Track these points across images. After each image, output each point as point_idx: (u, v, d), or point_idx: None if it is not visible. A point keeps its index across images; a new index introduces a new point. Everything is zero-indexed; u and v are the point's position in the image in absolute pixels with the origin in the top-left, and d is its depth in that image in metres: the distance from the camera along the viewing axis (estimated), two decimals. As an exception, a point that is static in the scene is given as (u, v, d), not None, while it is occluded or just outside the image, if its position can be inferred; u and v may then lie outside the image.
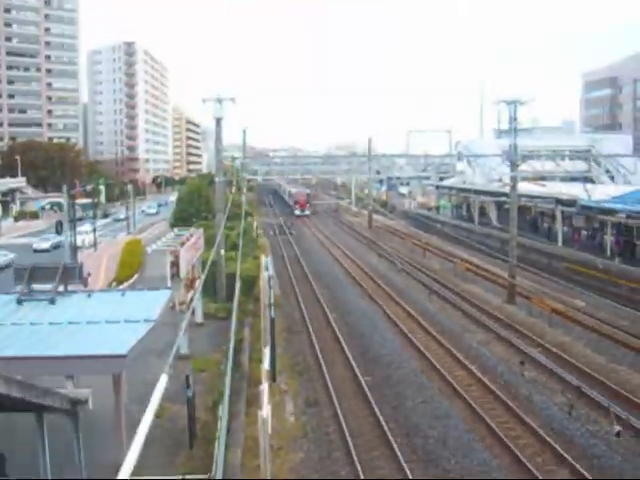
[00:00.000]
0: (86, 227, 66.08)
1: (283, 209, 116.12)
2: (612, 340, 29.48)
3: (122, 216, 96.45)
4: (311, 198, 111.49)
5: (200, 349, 28.33)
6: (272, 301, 27.46)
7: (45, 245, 64.60)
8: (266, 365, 20.67)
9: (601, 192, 52.09)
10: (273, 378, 24.61)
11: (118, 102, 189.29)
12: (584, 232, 57.43)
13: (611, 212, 49.89)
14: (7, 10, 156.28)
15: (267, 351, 22.69)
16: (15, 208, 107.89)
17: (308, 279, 48.91)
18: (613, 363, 27.29)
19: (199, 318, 33.15)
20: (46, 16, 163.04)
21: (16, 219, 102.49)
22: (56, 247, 62.49)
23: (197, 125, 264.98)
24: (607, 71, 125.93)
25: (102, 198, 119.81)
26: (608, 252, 50.48)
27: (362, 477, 18.00)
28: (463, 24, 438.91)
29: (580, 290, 40.84)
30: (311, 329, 33.98)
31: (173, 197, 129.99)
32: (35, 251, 62.81)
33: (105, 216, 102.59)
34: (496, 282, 43.74)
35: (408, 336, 32.00)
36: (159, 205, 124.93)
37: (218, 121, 39.71)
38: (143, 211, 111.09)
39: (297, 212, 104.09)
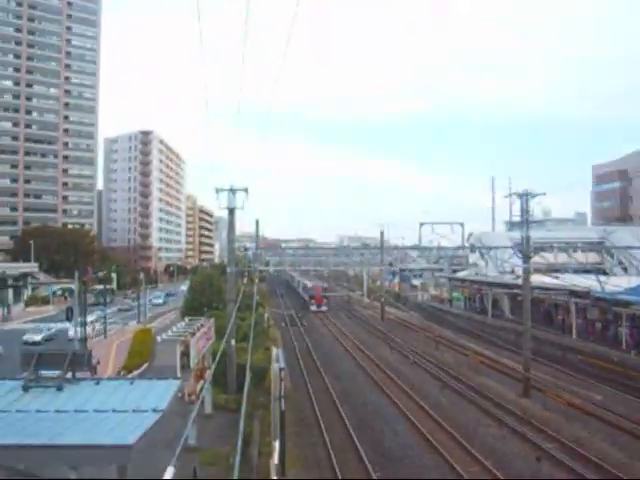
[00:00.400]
0: (95, 315, 65.90)
1: (295, 302, 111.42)
2: (631, 435, 28.76)
3: (126, 307, 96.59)
4: (327, 292, 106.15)
5: (209, 441, 27.75)
6: (282, 393, 27.04)
7: (37, 337, 60.27)
8: (275, 459, 20.20)
9: (614, 284, 51.78)
10: (282, 473, 23.98)
11: (132, 190, 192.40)
12: (598, 324, 56.86)
13: (625, 304, 49.48)
14: (28, 98, 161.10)
15: (277, 445, 22.21)
16: (27, 293, 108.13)
17: (319, 371, 48.32)
18: (633, 459, 26.50)
19: (208, 409, 32.66)
20: (66, 104, 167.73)
21: (27, 304, 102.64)
22: (48, 339, 60.41)
23: (210, 215, 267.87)
24: (617, 164, 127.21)
25: (114, 285, 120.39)
26: (623, 344, 49.81)
27: None
28: (475, 117, 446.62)
29: (596, 383, 40.18)
30: (322, 423, 33.34)
31: (184, 286, 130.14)
32: (25, 343, 56.38)
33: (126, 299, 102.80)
34: (510, 375, 43.09)
35: (421, 430, 31.31)
36: (167, 295, 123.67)
37: (231, 211, 40.10)
38: (150, 300, 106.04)
39: (313, 308, 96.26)
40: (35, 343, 56.46)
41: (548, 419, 32.84)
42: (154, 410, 14.99)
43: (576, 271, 54.35)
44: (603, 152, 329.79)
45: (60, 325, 67.26)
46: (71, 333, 58.66)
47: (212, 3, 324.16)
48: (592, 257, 60.28)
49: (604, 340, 53.15)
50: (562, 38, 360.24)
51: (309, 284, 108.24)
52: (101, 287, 76.58)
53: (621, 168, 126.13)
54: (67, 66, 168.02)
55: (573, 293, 54.60)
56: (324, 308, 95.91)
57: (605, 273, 54.37)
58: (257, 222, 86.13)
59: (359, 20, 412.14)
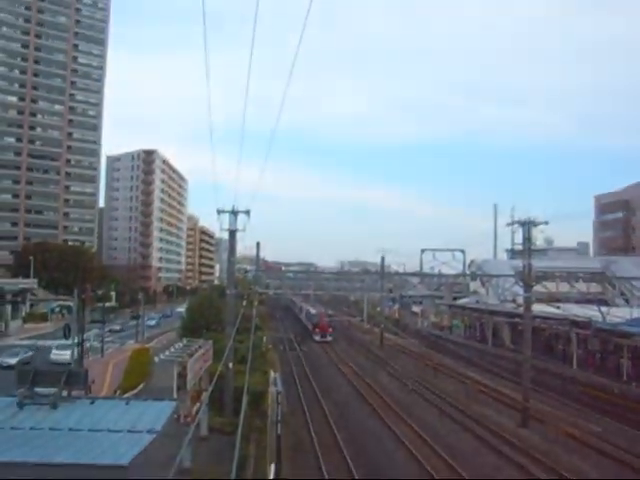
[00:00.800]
0: (92, 333, 65.40)
1: (296, 328, 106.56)
2: (631, 469, 28.41)
3: (117, 327, 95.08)
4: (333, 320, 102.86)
5: (204, 463, 27.41)
6: (279, 418, 26.80)
7: (11, 361, 57.15)
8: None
9: (616, 314, 51.63)
10: (278, 497, 23.67)
11: (134, 209, 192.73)
12: (599, 355, 56.56)
13: (627, 335, 49.23)
14: (33, 114, 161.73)
15: (272, 468, 21.94)
16: (25, 309, 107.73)
17: (317, 396, 48.04)
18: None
19: (204, 431, 32.30)
20: (70, 121, 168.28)
21: (25, 320, 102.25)
22: (25, 363, 55.59)
23: (211, 236, 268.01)
24: (620, 194, 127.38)
25: (113, 303, 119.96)
26: (624, 376, 49.50)
27: None
28: (478, 144, 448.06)
29: (596, 415, 39.85)
30: (318, 448, 33.01)
31: (181, 308, 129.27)
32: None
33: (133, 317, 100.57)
34: (509, 404, 42.76)
35: (417, 458, 31.00)
36: (163, 316, 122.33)
37: (232, 233, 39.99)
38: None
39: (317, 337, 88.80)
40: (10, 367, 52.63)
41: (547, 450, 32.48)
42: (149, 431, 14.79)
43: (578, 301, 54.16)
44: (606, 182, 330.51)
45: (56, 343, 67.05)
46: (55, 356, 57.91)
47: (219, 22, 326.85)
48: (594, 287, 60.12)
49: (605, 371, 52.85)
50: (563, 67, 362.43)
51: (313, 310, 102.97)
52: (103, 304, 76.02)
53: (624, 198, 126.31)
54: (72, 83, 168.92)
55: (574, 323, 54.40)
56: (329, 338, 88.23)
57: (607, 304, 54.14)
58: (258, 245, 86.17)
59: (361, 45, 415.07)
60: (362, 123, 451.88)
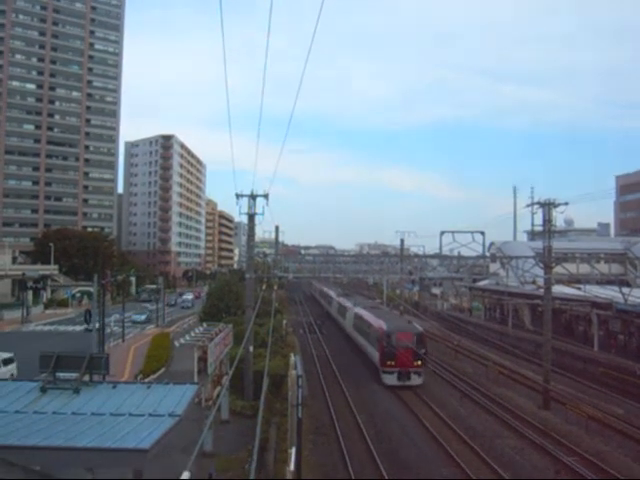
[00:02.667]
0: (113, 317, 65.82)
1: (334, 343, 70.30)
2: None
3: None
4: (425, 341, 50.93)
5: (225, 447, 27.60)
6: (300, 401, 26.81)
7: (141, 317, 59.51)
8: (292, 467, 19.98)
9: (638, 295, 51.12)
10: (299, 480, 23.72)
11: (153, 195, 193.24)
12: (620, 336, 56.14)
13: (649, 316, 48.85)
14: (51, 101, 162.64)
15: (293, 452, 21.99)
16: (46, 295, 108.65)
17: (337, 379, 48.09)
18: (656, 475, 26.00)
19: (225, 415, 32.49)
20: (88, 108, 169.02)
21: (46, 306, 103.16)
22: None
23: (230, 220, 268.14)
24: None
25: (132, 289, 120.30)
26: (646, 357, 49.12)
27: None
28: (497, 126, 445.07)
29: (618, 397, 39.63)
30: (339, 431, 33.08)
31: (189, 295, 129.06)
32: None
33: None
34: (530, 387, 42.59)
35: (438, 440, 30.99)
36: (169, 305, 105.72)
37: (251, 217, 40.02)
38: (129, 317, 79.92)
39: (388, 379, 46.39)
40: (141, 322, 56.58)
41: (568, 432, 32.36)
42: (171, 415, 14.85)
43: (598, 282, 53.69)
44: (628, 163, 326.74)
45: (78, 328, 67.55)
46: None
47: (236, 4, 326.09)
48: (615, 268, 59.52)
49: (626, 353, 52.48)
50: (583, 47, 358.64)
51: (374, 318, 55.51)
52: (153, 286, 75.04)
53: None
54: (90, 70, 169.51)
55: (595, 304, 54.00)
56: (417, 381, 46.27)
57: (628, 284, 53.59)
58: (277, 228, 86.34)
59: (380, 28, 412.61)
60: (381, 105, 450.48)
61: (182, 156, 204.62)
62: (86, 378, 17.45)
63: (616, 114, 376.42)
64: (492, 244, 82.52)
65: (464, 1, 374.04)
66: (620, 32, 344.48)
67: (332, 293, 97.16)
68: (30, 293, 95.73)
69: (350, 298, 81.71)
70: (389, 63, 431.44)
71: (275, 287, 71.20)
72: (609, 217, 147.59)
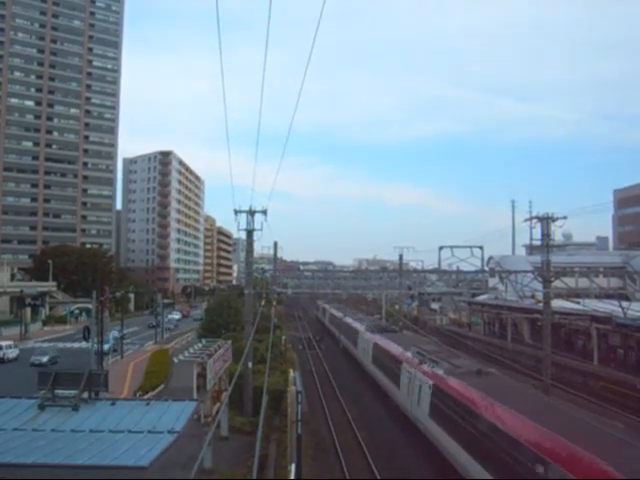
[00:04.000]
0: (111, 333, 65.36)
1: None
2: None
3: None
4: None
5: (224, 464, 27.44)
6: (299, 417, 26.71)
7: (43, 359, 58.41)
8: (292, 483, 19.89)
9: (637, 309, 51.07)
10: (299, 497, 23.58)
11: (151, 211, 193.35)
12: (620, 350, 56.00)
13: (648, 330, 48.77)
14: (49, 118, 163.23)
15: (293, 469, 21.90)
16: (45, 312, 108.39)
17: (337, 396, 47.94)
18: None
19: (224, 432, 32.34)
20: (86, 124, 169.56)
21: (45, 323, 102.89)
22: (53, 363, 57.40)
23: (229, 236, 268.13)
24: (639, 188, 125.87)
25: (131, 306, 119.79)
26: (646, 372, 48.96)
27: None
28: (495, 140, 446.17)
29: (618, 411, 39.45)
30: (339, 448, 32.94)
31: (175, 315, 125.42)
32: None
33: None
34: (530, 401, 42.33)
35: (441, 452, 30.79)
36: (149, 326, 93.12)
37: (249, 233, 39.97)
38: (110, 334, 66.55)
39: None
40: (42, 365, 55.46)
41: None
42: (170, 431, 14.81)
43: (597, 296, 53.65)
44: (626, 176, 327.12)
45: (76, 345, 67.34)
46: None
47: (234, 21, 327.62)
48: (614, 282, 59.54)
49: (626, 367, 52.32)
50: (579, 62, 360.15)
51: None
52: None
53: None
54: (88, 86, 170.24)
55: (594, 318, 53.90)
56: None
57: (627, 298, 53.56)
58: (275, 244, 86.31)
59: (378, 44, 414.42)
60: (378, 121, 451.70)
61: (180, 172, 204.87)
62: (85, 395, 17.39)
63: (614, 128, 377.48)
64: (491, 258, 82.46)
65: (463, 17, 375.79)
66: (617, 45, 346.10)
67: (358, 326, 68.56)
68: (29, 310, 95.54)
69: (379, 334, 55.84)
70: (388, 78, 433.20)
71: (274, 303, 71.10)
72: (608, 231, 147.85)
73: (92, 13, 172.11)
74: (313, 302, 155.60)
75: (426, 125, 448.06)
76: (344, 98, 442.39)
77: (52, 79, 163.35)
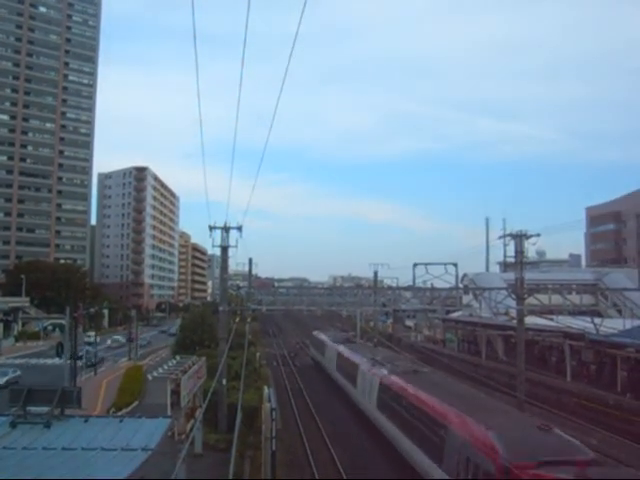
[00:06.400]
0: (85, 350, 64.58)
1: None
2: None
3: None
4: None
5: (198, 481, 27.25)
6: (274, 434, 26.66)
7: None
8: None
9: (609, 326, 51.62)
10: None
11: (126, 227, 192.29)
12: (593, 366, 56.45)
13: (620, 346, 49.23)
14: (24, 132, 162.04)
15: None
16: (17, 328, 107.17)
17: (311, 412, 47.87)
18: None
19: (198, 449, 32.13)
20: (61, 139, 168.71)
21: (17, 339, 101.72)
22: (12, 383, 49.28)
23: (203, 252, 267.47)
24: (611, 206, 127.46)
25: (105, 322, 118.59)
26: (618, 387, 49.40)
27: None
28: (470, 159, 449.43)
29: (591, 427, 39.74)
30: (313, 465, 32.88)
31: (118, 336, 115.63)
32: None
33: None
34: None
35: (417, 472, 30.85)
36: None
37: (224, 249, 39.94)
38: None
39: None
40: None
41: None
42: (144, 449, 14.70)
43: (571, 313, 54.15)
44: (597, 194, 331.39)
45: (49, 361, 66.56)
46: None
47: (211, 39, 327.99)
48: (587, 299, 60.18)
49: (599, 383, 52.73)
50: (554, 80, 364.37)
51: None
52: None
53: (615, 210, 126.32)
54: (64, 101, 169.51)
55: (568, 335, 54.34)
56: None
57: (600, 315, 54.13)
58: (250, 261, 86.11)
59: (355, 62, 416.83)
60: (355, 138, 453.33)
61: (155, 188, 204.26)
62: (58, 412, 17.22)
63: (588, 146, 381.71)
64: (465, 275, 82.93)
65: (439, 37, 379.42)
66: (589, 66, 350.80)
67: (324, 338, 75.43)
68: (1, 326, 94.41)
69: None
70: (363, 95, 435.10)
71: (249, 320, 70.96)
72: (580, 248, 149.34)
73: (68, 27, 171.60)
74: (287, 318, 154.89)
75: (403, 143, 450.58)
76: (321, 115, 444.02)
77: (27, 93, 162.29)
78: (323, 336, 77.72)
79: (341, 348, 60.45)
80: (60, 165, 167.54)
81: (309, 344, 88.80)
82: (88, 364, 62.29)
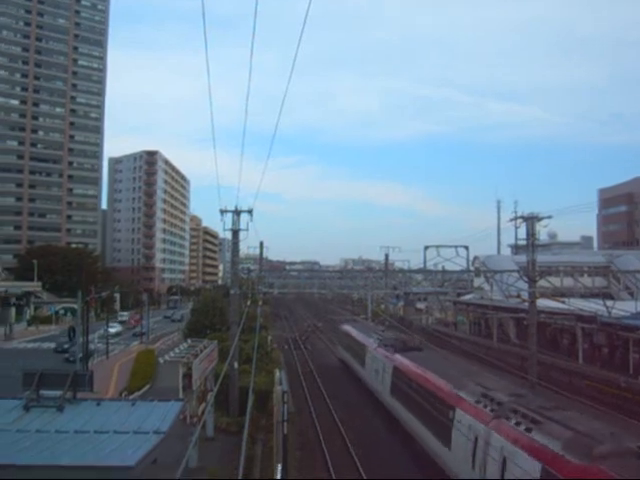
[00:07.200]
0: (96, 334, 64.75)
1: None
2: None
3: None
4: None
5: (210, 464, 27.36)
6: (285, 417, 26.68)
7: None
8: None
9: (621, 308, 51.33)
10: (285, 497, 23.54)
11: (137, 210, 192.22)
12: (605, 349, 56.22)
13: (632, 329, 48.98)
14: (35, 117, 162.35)
15: (279, 469, 21.87)
16: (29, 312, 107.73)
17: (323, 395, 47.91)
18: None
19: (210, 432, 32.23)
20: (71, 124, 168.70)
21: (29, 323, 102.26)
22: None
23: (215, 236, 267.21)
24: (623, 188, 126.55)
25: (116, 306, 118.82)
26: (631, 369, 49.19)
27: None
28: (482, 141, 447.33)
29: (602, 409, 39.62)
30: (325, 448, 32.91)
31: (113, 329, 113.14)
32: None
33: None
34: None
35: (424, 451, 30.86)
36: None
37: (235, 233, 39.86)
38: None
39: None
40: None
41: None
42: (156, 432, 14.74)
43: (582, 295, 53.85)
44: (610, 176, 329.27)
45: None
46: None
47: (222, 21, 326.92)
48: (598, 281, 59.94)
49: (611, 365, 52.54)
50: (569, 62, 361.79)
51: None
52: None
53: (627, 191, 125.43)
54: (73, 85, 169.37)
55: (579, 318, 54.10)
56: None
57: (612, 297, 53.80)
58: (261, 244, 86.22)
59: (366, 45, 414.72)
60: (366, 121, 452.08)
61: (166, 172, 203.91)
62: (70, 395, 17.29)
63: (599, 128, 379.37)
64: (476, 258, 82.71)
65: (448, 20, 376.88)
66: (600, 48, 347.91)
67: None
68: (13, 310, 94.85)
69: None
70: (374, 79, 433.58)
71: (260, 303, 70.99)
72: (592, 230, 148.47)
73: (77, 12, 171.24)
74: (299, 301, 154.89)
75: (413, 126, 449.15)
76: (331, 98, 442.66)
77: (37, 78, 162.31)
78: (359, 334, 55.77)
79: (406, 362, 36.59)
80: (70, 150, 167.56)
81: (335, 341, 74.25)
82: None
